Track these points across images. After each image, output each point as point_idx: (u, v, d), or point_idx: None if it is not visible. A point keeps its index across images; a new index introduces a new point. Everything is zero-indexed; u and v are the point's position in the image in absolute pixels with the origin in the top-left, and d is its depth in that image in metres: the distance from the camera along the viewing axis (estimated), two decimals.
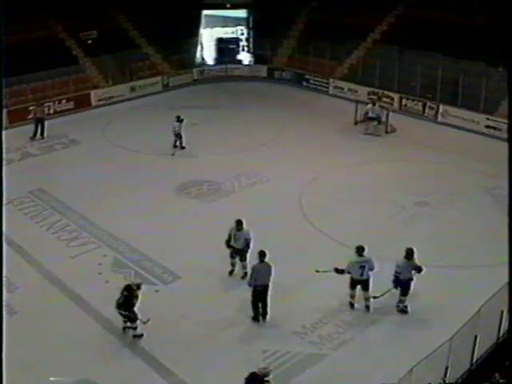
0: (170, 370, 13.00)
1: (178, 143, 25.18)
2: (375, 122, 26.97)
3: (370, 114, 27.09)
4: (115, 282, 16.03)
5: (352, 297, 14.97)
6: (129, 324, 13.89)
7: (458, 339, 10.94)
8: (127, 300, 13.64)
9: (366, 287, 14.75)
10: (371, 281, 14.67)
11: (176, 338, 13.99)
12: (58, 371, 12.80)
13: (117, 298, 13.74)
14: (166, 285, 16.00)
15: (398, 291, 14.66)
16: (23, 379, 12.51)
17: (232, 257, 16.20)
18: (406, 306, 14.64)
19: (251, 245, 15.77)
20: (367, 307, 14.89)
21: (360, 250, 14.58)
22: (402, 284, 14.46)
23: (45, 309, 14.95)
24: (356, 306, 14.96)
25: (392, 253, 16.93)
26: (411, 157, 24.53)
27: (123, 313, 13.73)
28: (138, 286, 13.90)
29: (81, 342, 13.78)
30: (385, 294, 14.78)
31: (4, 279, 15.26)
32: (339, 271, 14.67)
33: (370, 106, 27.54)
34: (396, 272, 14.33)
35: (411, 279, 14.49)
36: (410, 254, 14.37)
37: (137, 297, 13.70)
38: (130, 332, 13.97)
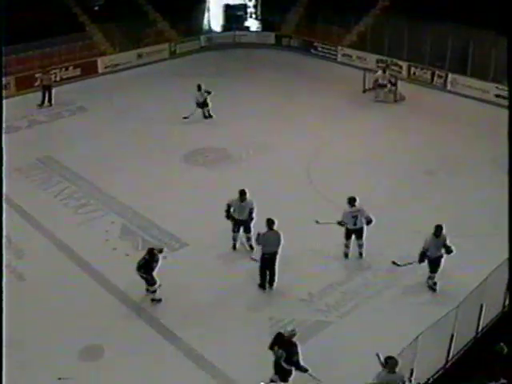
0: (177, 336, 13.11)
1: (205, 113, 24.94)
2: (386, 89, 26.78)
3: (381, 81, 26.89)
4: (122, 249, 16.16)
5: (346, 246, 15.72)
6: (148, 287, 14.05)
7: (464, 308, 10.98)
8: (147, 263, 13.77)
9: (359, 236, 15.53)
10: (365, 229, 15.50)
11: (183, 305, 14.09)
12: (66, 336, 12.94)
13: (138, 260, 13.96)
14: (173, 252, 16.06)
15: (422, 265, 14.50)
16: (31, 344, 12.71)
17: (234, 231, 16.02)
18: (435, 283, 14.43)
19: (254, 215, 15.73)
20: (360, 254, 15.74)
21: (352, 201, 15.24)
22: (430, 261, 14.27)
23: (52, 275, 15.05)
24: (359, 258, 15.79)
25: (400, 222, 17.05)
26: (420, 125, 24.39)
27: (143, 275, 13.87)
28: (160, 251, 14.00)
29: (88, 308, 13.89)
30: (406, 264, 14.88)
31: (12, 246, 15.40)
32: (340, 223, 15.29)
33: (380, 72, 27.32)
34: (423, 248, 14.13)
35: (440, 256, 14.26)
36: (438, 231, 14.01)
37: (157, 261, 13.79)
38: (149, 296, 14.13)
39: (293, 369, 11.21)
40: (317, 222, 15.84)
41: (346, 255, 15.76)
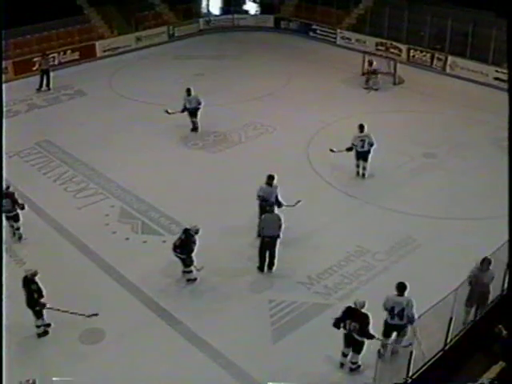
0: (176, 318, 13.16)
1: (193, 123, 22.22)
2: (374, 76, 26.55)
3: (370, 69, 26.68)
4: (122, 232, 16.17)
5: (357, 166, 18.76)
6: (183, 267, 14.16)
7: (463, 290, 11.02)
8: (183, 243, 13.85)
9: (365, 158, 18.55)
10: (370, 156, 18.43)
11: (182, 288, 14.15)
12: (65, 320, 12.96)
13: (174, 241, 14.07)
14: (173, 235, 16.00)
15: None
16: (31, 327, 12.76)
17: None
18: None
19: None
20: (363, 175, 18.78)
21: (361, 128, 18.31)
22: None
23: (53, 259, 15.06)
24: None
25: (400, 203, 17.08)
26: (419, 108, 24.37)
27: (179, 255, 13.96)
28: (197, 231, 13.96)
29: (87, 291, 13.93)
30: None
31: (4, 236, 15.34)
32: (349, 149, 18.33)
33: (366, 65, 26.99)
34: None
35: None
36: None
37: (194, 242, 13.87)
38: (185, 275, 14.26)
39: (365, 340, 11.31)
40: (331, 150, 18.58)
41: (358, 173, 18.82)
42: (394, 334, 11.69)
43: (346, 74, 28.12)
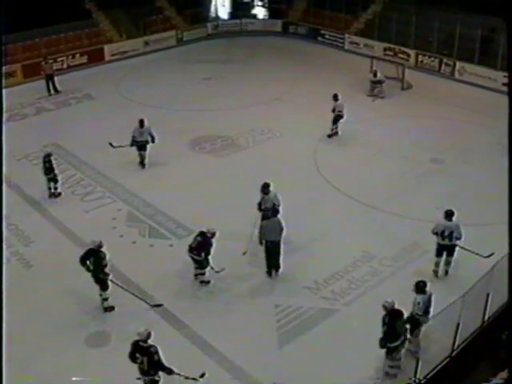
0: (183, 322, 13.17)
1: (141, 158, 20.06)
2: (380, 86, 26.48)
3: (373, 79, 26.58)
4: (129, 236, 16.19)
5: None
6: (198, 270, 14.18)
7: (470, 296, 10.98)
8: (200, 245, 13.83)
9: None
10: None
11: (189, 292, 14.15)
12: (72, 323, 13.01)
13: (190, 243, 14.05)
14: (179, 239, 16.08)
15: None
16: (38, 328, 12.79)
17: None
18: None
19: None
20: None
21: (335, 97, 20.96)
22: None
23: (59, 262, 15.07)
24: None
25: (407, 209, 17.02)
26: (427, 113, 24.32)
27: (196, 257, 13.95)
28: (213, 235, 13.92)
29: (95, 295, 13.93)
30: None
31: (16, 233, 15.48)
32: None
33: (371, 75, 26.88)
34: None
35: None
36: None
37: (211, 244, 13.86)
38: (199, 278, 14.27)
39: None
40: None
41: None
42: (445, 254, 14.10)
43: (353, 78, 28.07)
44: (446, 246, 14.06)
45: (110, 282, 13.37)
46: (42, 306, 13.56)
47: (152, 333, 10.67)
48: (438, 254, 14.25)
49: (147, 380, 10.68)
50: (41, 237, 16.28)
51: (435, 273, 14.39)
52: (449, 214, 13.91)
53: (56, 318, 13.17)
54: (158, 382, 10.74)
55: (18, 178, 19.16)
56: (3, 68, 26.90)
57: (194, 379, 10.94)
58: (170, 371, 10.63)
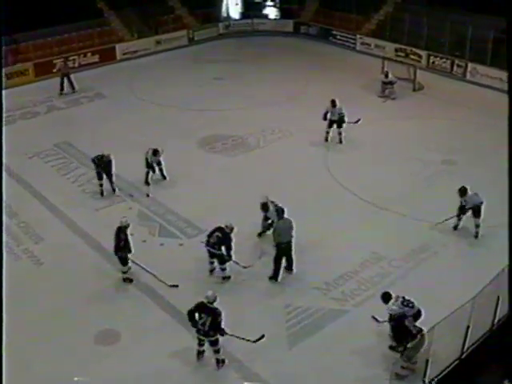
0: None
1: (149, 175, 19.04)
2: (391, 87, 26.40)
3: (385, 80, 26.50)
4: (140, 235, 16.19)
5: (327, 133, 21.41)
6: (217, 265, 14.34)
7: (480, 299, 10.93)
8: (221, 240, 13.96)
9: (339, 125, 21.25)
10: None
11: (198, 291, 14.08)
12: (82, 320, 13.05)
13: (209, 238, 14.21)
14: (189, 238, 16.11)
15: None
16: (50, 327, 12.84)
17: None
18: None
19: None
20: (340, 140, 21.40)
21: (333, 102, 21.01)
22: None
23: (70, 260, 15.18)
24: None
25: (417, 210, 16.95)
26: (439, 114, 24.22)
27: (216, 252, 14.07)
28: (232, 230, 14.06)
29: (103, 291, 14.00)
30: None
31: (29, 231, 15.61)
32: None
33: (382, 76, 26.80)
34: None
35: None
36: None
37: (231, 239, 14.04)
38: (218, 273, 14.42)
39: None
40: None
41: (327, 139, 21.60)
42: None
43: (364, 79, 28.00)
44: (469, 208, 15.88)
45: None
46: (53, 303, 13.60)
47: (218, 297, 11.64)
48: (460, 213, 16.07)
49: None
50: (51, 234, 16.34)
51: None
52: (463, 191, 15.73)
53: (65, 315, 13.21)
54: (217, 341, 11.61)
55: (29, 176, 19.25)
56: (12, 67, 27.17)
57: (249, 341, 11.78)
58: (225, 333, 11.58)
